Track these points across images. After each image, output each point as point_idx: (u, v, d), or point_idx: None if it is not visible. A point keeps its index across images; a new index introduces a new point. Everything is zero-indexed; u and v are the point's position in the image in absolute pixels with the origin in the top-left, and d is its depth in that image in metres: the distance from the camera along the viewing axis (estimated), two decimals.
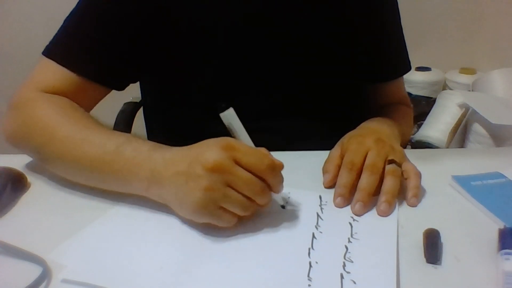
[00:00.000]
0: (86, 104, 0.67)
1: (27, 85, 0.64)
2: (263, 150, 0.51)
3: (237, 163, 0.47)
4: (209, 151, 0.47)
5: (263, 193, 0.48)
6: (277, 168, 0.49)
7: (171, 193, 0.49)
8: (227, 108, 0.51)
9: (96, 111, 0.70)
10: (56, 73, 0.64)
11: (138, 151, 0.52)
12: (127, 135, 0.56)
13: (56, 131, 0.57)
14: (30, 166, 0.63)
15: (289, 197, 0.56)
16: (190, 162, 0.47)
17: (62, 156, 0.56)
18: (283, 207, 0.54)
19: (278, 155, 0.68)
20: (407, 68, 0.85)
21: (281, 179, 0.50)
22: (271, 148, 0.69)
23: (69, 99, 0.63)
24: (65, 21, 0.66)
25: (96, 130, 0.57)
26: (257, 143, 0.69)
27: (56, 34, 0.66)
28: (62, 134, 0.56)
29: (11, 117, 0.62)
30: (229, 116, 0.50)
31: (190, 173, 0.47)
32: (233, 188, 0.47)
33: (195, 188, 0.46)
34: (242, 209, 0.48)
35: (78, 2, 0.67)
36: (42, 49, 0.66)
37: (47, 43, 0.66)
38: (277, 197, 0.54)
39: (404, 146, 0.69)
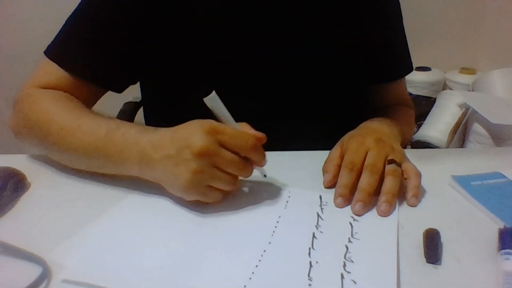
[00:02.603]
0: (83, 102, 0.68)
1: (27, 83, 0.67)
2: (245, 127, 0.54)
3: (223, 145, 0.50)
4: (195, 135, 0.50)
5: (246, 169, 0.53)
6: (259, 145, 0.53)
7: (162, 174, 0.53)
8: (210, 92, 0.52)
9: (96, 111, 0.71)
10: (54, 73, 0.66)
11: (127, 135, 0.55)
12: (116, 121, 0.59)
13: (53, 123, 0.60)
14: (30, 166, 0.63)
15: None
16: (178, 147, 0.50)
17: (59, 145, 0.60)
18: (265, 176, 0.58)
19: (278, 155, 0.68)
20: (409, 69, 0.84)
21: (264, 154, 0.54)
22: (272, 148, 0.69)
23: (64, 92, 0.66)
24: (66, 22, 0.68)
25: (88, 118, 0.60)
26: None
27: (57, 34, 0.68)
28: (58, 125, 0.59)
29: (14, 114, 0.65)
30: (212, 100, 0.52)
31: (179, 157, 0.50)
32: (219, 169, 0.50)
33: (185, 171, 0.50)
34: (228, 185, 0.52)
35: (78, 4, 0.68)
36: (41, 49, 0.67)
37: (47, 42, 0.67)
38: (260, 170, 0.57)
39: (404, 146, 0.69)
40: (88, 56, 0.67)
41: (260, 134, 0.54)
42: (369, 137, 0.60)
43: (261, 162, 0.55)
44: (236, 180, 0.53)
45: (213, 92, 0.52)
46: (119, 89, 0.72)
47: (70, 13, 0.68)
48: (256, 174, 0.56)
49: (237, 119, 0.72)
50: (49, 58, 0.66)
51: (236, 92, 0.71)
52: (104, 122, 0.58)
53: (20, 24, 1.71)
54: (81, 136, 0.57)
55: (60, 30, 0.68)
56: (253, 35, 0.69)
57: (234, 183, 0.53)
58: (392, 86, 0.85)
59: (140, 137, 0.54)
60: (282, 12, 0.69)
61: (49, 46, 0.68)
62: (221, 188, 0.52)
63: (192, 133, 0.50)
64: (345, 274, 0.43)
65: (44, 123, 0.61)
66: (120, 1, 0.66)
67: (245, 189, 0.59)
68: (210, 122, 0.51)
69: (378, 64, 0.79)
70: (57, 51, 0.67)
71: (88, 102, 0.69)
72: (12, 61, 1.72)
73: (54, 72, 0.66)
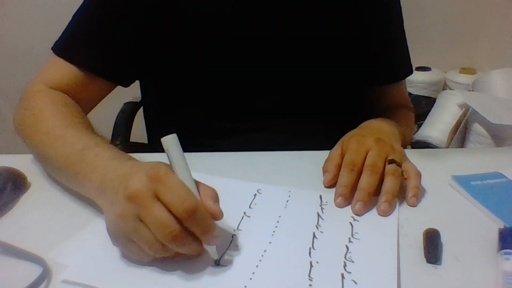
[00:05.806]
0: (89, 99, 0.68)
1: (35, 79, 0.67)
2: (208, 191, 0.44)
3: (158, 198, 0.40)
4: (135, 177, 0.42)
5: (176, 239, 0.40)
6: (197, 214, 0.40)
7: (103, 208, 0.47)
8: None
9: (96, 111, 0.71)
10: (61, 69, 0.66)
11: (99, 157, 0.51)
12: (97, 139, 0.55)
13: (41, 125, 0.59)
14: (30, 166, 0.63)
15: (225, 251, 0.46)
16: (120, 183, 0.44)
17: (41, 150, 0.58)
18: (216, 262, 0.44)
19: (278, 155, 0.69)
20: (409, 71, 0.85)
21: (206, 229, 0.41)
22: (272, 147, 0.69)
23: (66, 96, 0.65)
24: (72, 18, 0.68)
25: (75, 128, 0.57)
26: (258, 142, 0.70)
27: (64, 31, 0.68)
28: (45, 129, 0.58)
29: (17, 108, 0.65)
30: (169, 143, 0.43)
31: (115, 195, 0.43)
32: (145, 224, 0.41)
33: (112, 212, 0.43)
34: (151, 249, 0.41)
35: (84, 0, 0.68)
36: (42, 48, 0.67)
37: (48, 42, 0.67)
38: (210, 249, 0.44)
39: (404, 147, 0.69)
40: (96, 50, 0.67)
41: (214, 209, 0.42)
42: (370, 137, 0.60)
43: (201, 236, 0.42)
44: (162, 249, 0.41)
45: (174, 134, 0.43)
46: (126, 84, 0.72)
47: (70, 11, 0.68)
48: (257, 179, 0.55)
49: (238, 119, 0.72)
50: (57, 54, 0.66)
51: (237, 92, 0.72)
52: (85, 137, 0.55)
53: (20, 23, 1.71)
54: (60, 146, 0.55)
55: (67, 27, 0.68)
56: (255, 36, 0.69)
57: (158, 250, 0.41)
58: (392, 88, 0.85)
59: (110, 163, 0.49)
60: (284, 14, 0.69)
61: (56, 42, 0.68)
62: (143, 248, 0.42)
63: (137, 173, 0.42)
64: (345, 274, 0.43)
65: (34, 123, 0.60)
66: None
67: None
68: (159, 168, 0.41)
69: (378, 65, 0.79)
70: (64, 47, 0.67)
71: (94, 98, 0.70)
72: (12, 60, 1.72)
73: (61, 68, 0.66)
